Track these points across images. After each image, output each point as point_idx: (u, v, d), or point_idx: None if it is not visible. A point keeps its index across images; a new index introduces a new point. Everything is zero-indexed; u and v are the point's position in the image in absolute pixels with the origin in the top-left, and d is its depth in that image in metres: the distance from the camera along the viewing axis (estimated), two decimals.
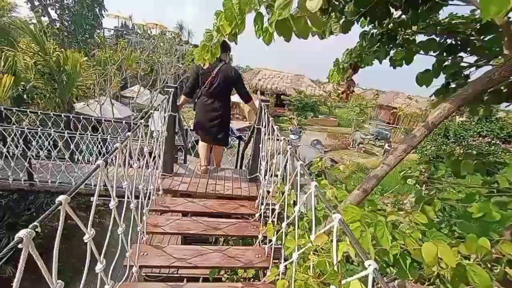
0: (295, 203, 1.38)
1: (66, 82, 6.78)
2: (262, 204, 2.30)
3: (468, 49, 1.52)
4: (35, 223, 0.70)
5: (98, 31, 17.67)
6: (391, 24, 1.53)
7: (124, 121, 5.23)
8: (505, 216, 1.26)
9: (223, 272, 2.60)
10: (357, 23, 1.65)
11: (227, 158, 4.55)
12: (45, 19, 15.58)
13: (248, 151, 4.51)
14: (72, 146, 4.16)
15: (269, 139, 2.39)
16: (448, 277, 0.91)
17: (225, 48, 2.63)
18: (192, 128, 3.17)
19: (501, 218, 1.19)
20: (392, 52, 1.55)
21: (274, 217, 1.80)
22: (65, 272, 4.96)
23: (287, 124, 15.14)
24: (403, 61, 1.45)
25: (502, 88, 1.44)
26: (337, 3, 1.41)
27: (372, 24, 1.56)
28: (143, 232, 1.89)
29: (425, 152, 8.07)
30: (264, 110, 2.53)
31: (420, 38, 1.67)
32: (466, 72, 1.55)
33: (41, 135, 4.22)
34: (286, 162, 1.81)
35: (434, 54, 1.54)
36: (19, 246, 0.66)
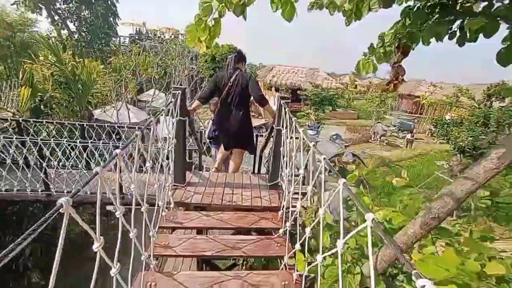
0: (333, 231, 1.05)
1: (81, 90, 6.83)
2: (286, 217, 1.99)
3: None
4: (38, 223, 0.68)
5: (114, 39, 18.10)
6: None
7: (137, 126, 5.11)
8: None
9: None
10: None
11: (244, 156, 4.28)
12: (64, 32, 16.18)
13: (266, 151, 4.22)
14: (85, 155, 4.07)
15: (291, 141, 2.06)
16: None
17: (242, 58, 2.73)
18: (207, 134, 3.01)
19: None
20: (454, 26, 1.15)
21: (302, 238, 1.47)
22: None
23: (304, 119, 14.62)
24: (479, 34, 1.05)
25: None
26: None
27: None
28: (150, 256, 1.63)
29: (460, 143, 7.30)
30: (285, 108, 2.19)
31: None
32: None
33: (55, 146, 4.17)
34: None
35: None
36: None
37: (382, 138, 16.26)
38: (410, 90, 28.52)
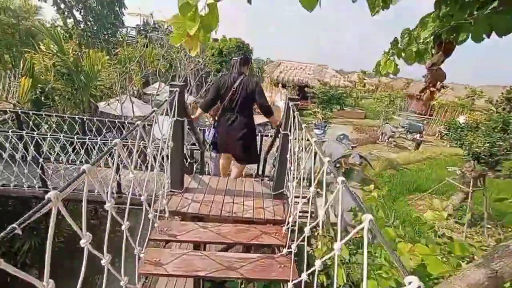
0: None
1: (84, 82, 6.68)
2: (292, 232, 1.79)
3: None
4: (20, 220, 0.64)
5: (120, 30, 17.90)
6: None
7: (136, 121, 4.94)
8: None
9: None
10: None
11: None
12: (70, 21, 16.04)
13: (272, 152, 4.00)
14: (82, 151, 3.92)
15: (299, 147, 1.85)
16: None
17: (247, 61, 2.59)
18: (209, 139, 2.80)
19: None
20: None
21: (311, 269, 1.26)
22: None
23: (311, 118, 14.31)
24: None
25: None
26: None
27: None
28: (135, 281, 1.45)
29: (475, 149, 6.95)
30: (293, 112, 1.97)
31: None
32: None
33: (54, 141, 4.03)
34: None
35: None
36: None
37: (390, 139, 15.86)
38: (420, 91, 27.82)
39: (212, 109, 2.70)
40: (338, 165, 10.82)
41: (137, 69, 11.20)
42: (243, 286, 2.33)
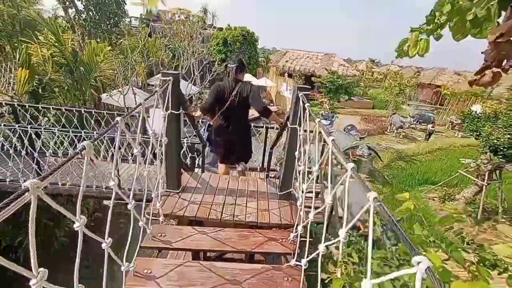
0: None
1: (84, 73, 6.47)
2: (302, 239, 1.57)
3: None
4: None
5: (123, 19, 17.50)
6: None
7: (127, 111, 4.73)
8: None
9: None
10: None
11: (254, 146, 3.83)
12: (72, 11, 15.71)
13: (276, 146, 3.76)
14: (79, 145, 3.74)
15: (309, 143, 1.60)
16: None
17: (243, 68, 2.55)
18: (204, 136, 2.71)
19: None
20: None
21: None
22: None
23: (317, 108, 13.90)
24: None
25: None
26: None
27: None
28: None
29: (493, 140, 6.55)
30: (303, 103, 1.71)
31: None
32: None
33: (51, 134, 3.86)
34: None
35: None
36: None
37: (399, 130, 15.38)
38: (430, 79, 26.83)
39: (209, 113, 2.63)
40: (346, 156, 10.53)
41: (140, 60, 10.95)
42: None
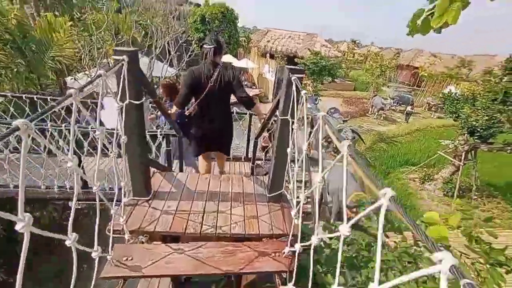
0: None
1: (36, 52, 5.58)
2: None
3: None
4: None
5: None
6: None
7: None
8: None
9: None
10: None
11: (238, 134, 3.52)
12: None
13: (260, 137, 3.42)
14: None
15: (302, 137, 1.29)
16: None
17: (220, 49, 2.21)
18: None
19: None
20: None
21: None
22: None
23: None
24: None
25: None
26: None
27: None
28: None
29: (472, 122, 6.67)
30: (297, 87, 1.37)
31: None
32: None
33: None
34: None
35: None
36: None
37: (380, 112, 15.59)
38: (409, 61, 27.30)
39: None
40: (330, 140, 10.51)
41: (109, 39, 9.83)
42: None
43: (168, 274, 1.41)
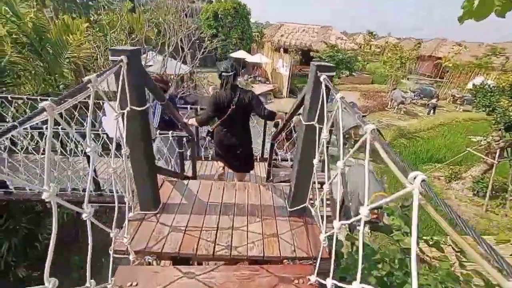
0: None
1: (52, 54, 5.63)
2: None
3: None
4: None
5: None
6: None
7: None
8: None
9: None
10: None
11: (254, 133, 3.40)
12: None
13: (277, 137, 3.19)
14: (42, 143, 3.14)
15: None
16: None
17: (237, 73, 2.50)
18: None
19: None
20: None
21: None
22: None
23: None
24: None
25: None
26: None
27: None
28: None
29: (510, 115, 6.06)
30: (328, 89, 1.13)
31: None
32: None
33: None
34: None
35: None
36: None
37: (400, 106, 14.79)
38: (431, 51, 25.74)
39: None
40: (347, 136, 10.06)
41: (123, 38, 9.91)
42: None
43: None
